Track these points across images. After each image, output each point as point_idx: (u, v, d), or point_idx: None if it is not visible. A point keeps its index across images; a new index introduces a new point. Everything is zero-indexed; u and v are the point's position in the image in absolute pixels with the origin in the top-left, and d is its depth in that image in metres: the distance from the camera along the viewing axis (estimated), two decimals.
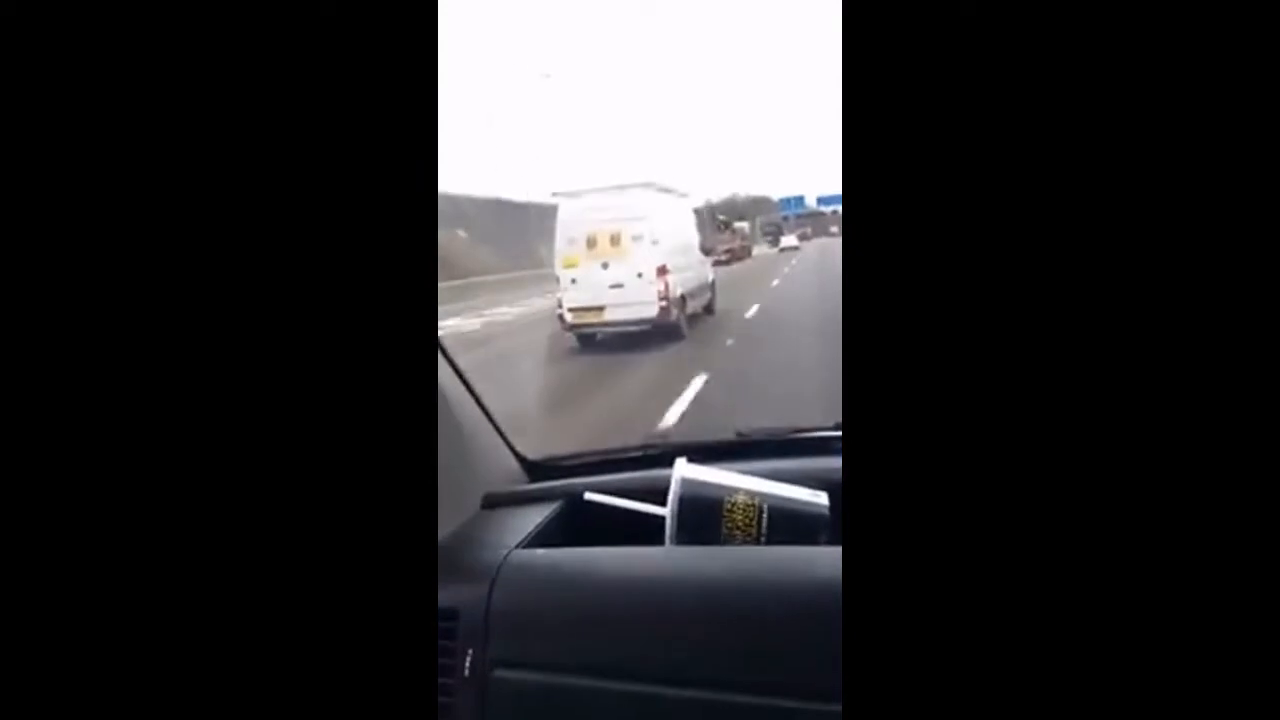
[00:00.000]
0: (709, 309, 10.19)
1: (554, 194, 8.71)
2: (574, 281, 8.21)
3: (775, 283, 15.56)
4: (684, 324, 8.46)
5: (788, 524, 0.83)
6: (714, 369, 6.15)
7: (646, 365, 7.04)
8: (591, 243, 8.15)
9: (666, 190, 9.26)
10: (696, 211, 11.55)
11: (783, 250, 35.64)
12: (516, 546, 0.86)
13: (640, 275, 7.97)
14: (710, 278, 10.50)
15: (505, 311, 13.72)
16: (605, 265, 8.11)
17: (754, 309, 10.73)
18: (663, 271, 7.99)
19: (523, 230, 23.86)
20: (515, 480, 1.12)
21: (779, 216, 53.63)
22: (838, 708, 0.59)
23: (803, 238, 43.94)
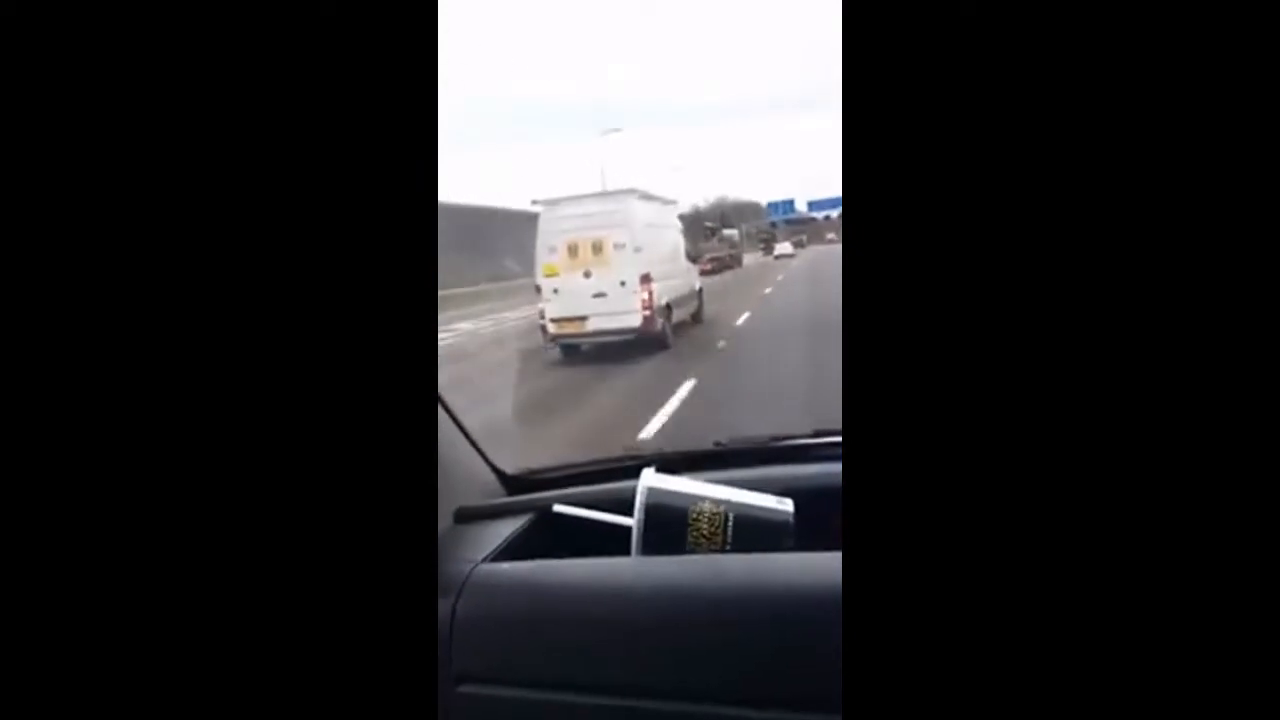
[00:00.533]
0: (696, 317, 10.20)
1: (533, 201, 8.66)
2: (556, 291, 8.21)
3: (768, 290, 16.18)
4: (669, 333, 8.45)
5: (753, 531, 0.85)
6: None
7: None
8: (573, 251, 8.15)
9: (650, 197, 9.28)
10: (683, 218, 11.47)
11: (778, 257, 35.66)
12: (483, 560, 0.87)
13: (623, 284, 7.96)
14: (697, 286, 10.55)
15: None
16: (587, 274, 8.11)
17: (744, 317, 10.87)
18: (647, 280, 7.97)
19: (477, 240, 23.01)
20: (492, 494, 1.12)
21: (767, 222, 53.43)
22: (809, 715, 0.62)
23: (798, 245, 43.87)
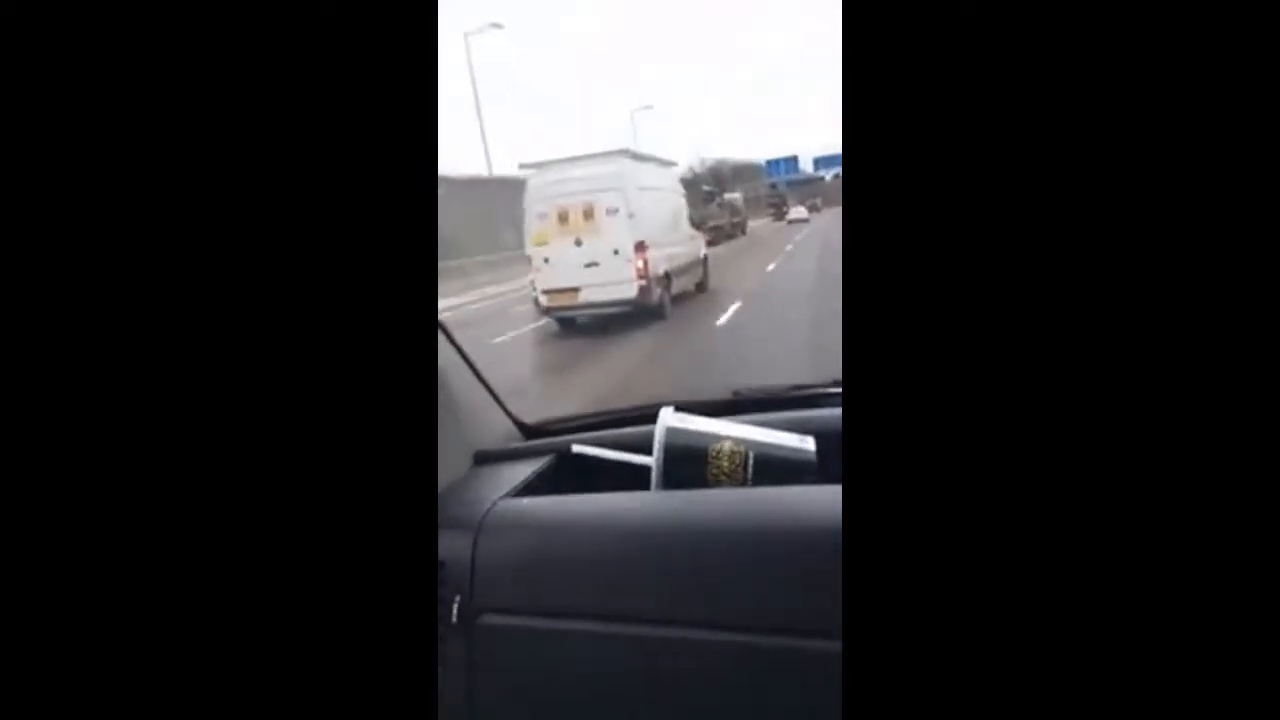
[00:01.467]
0: (700, 286, 9.96)
1: (520, 165, 8.28)
2: (546, 261, 7.91)
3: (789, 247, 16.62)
4: (668, 305, 8.15)
5: (774, 468, 0.86)
6: None
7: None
8: (563, 218, 7.81)
9: (643, 158, 8.87)
10: (683, 181, 11.06)
11: (791, 222, 34.91)
12: (503, 497, 0.90)
13: (616, 252, 7.66)
14: (701, 253, 10.28)
15: None
16: (579, 242, 7.77)
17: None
18: (641, 248, 7.63)
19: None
20: (510, 441, 1.16)
21: (767, 183, 51.85)
22: (814, 643, 0.66)
23: (812, 209, 42.59)
